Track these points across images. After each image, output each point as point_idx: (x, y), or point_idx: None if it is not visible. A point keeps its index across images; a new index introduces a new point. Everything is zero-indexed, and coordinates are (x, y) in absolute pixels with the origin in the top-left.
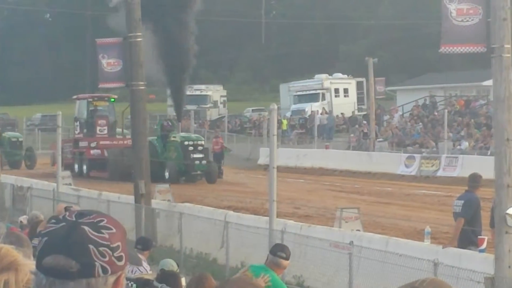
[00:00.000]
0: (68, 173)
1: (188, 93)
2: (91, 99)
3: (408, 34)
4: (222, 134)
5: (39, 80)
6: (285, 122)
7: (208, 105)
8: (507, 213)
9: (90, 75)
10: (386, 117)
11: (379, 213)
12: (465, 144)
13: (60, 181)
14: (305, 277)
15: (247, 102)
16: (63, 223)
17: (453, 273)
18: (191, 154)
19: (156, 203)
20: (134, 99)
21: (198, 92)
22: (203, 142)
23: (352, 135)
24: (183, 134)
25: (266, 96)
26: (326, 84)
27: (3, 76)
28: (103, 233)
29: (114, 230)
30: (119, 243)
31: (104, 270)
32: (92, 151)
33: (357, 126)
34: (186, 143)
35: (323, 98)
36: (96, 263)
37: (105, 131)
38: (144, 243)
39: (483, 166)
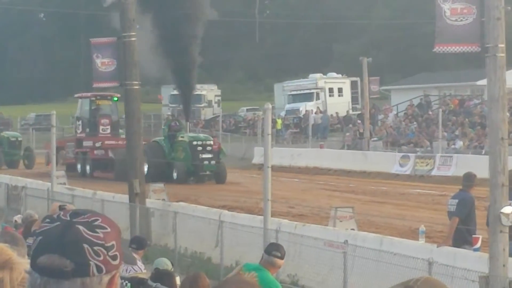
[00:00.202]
0: (62, 172)
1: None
2: (93, 98)
3: (403, 34)
4: (216, 133)
5: (33, 79)
6: (279, 121)
7: (202, 105)
8: (502, 212)
9: (84, 75)
10: (380, 117)
11: (374, 212)
12: (459, 143)
13: (55, 180)
14: (300, 276)
15: (242, 102)
16: (58, 223)
17: (448, 272)
18: (200, 154)
19: (151, 202)
20: (128, 99)
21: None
22: (212, 142)
23: (347, 134)
24: (191, 134)
25: (260, 96)
26: (321, 83)
27: None
28: (97, 233)
29: (108, 230)
30: (113, 242)
31: (99, 269)
32: (96, 151)
33: (350, 125)
34: (194, 143)
35: (318, 98)
36: (90, 262)
37: (108, 131)
38: (138, 242)
39: (478, 165)
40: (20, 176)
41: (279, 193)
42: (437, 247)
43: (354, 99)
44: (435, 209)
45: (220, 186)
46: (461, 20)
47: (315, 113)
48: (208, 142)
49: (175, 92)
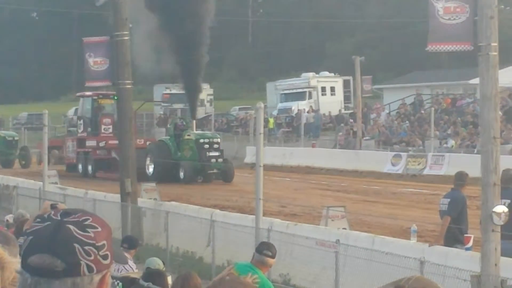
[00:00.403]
0: (54, 172)
1: (174, 91)
2: (96, 97)
3: (395, 33)
4: None
5: (25, 78)
6: (271, 120)
7: None
8: (494, 211)
9: (77, 74)
10: (373, 116)
11: (366, 211)
12: (451, 142)
13: (46, 180)
14: (291, 276)
15: (234, 101)
16: (49, 222)
17: (439, 271)
18: (207, 152)
19: (143, 201)
20: (120, 98)
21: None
22: (219, 140)
23: (340, 133)
24: (198, 132)
25: (252, 95)
26: (313, 82)
27: None
28: (88, 232)
29: (99, 229)
30: (104, 242)
31: (90, 269)
32: (98, 151)
33: (342, 124)
34: (201, 141)
35: (310, 97)
36: (81, 262)
37: (110, 130)
38: (130, 242)
39: (470, 164)
40: (12, 176)
41: (271, 192)
42: (429, 246)
43: (346, 98)
44: (427, 208)
45: (212, 185)
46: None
47: (308, 112)
48: (215, 140)
49: (168, 91)
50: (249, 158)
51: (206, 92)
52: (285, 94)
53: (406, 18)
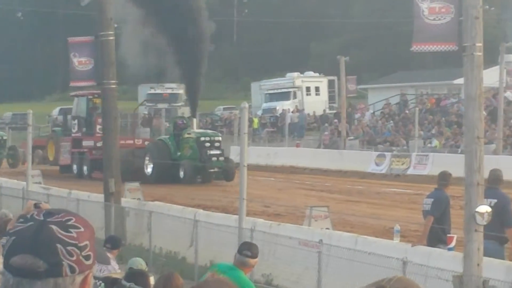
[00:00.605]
0: (38, 171)
1: (159, 91)
2: (91, 96)
3: (380, 33)
4: None
5: (10, 78)
6: (256, 120)
7: (179, 104)
8: (477, 211)
9: (62, 74)
10: (357, 116)
11: (349, 211)
12: (434, 142)
13: (30, 179)
14: (274, 276)
15: (218, 100)
16: (31, 222)
17: (422, 271)
18: (208, 151)
19: (126, 201)
20: (105, 98)
21: (169, 91)
22: (220, 138)
23: (326, 133)
24: (199, 130)
25: (237, 95)
26: (298, 82)
27: None
28: (71, 232)
29: (82, 229)
30: (87, 242)
31: (72, 270)
32: (94, 151)
33: (327, 124)
34: (202, 139)
35: (295, 97)
36: (64, 262)
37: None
38: (113, 242)
39: (453, 164)
40: None
41: (255, 192)
42: (412, 246)
43: (331, 98)
44: (410, 208)
45: (196, 185)
46: (439, 19)
47: (292, 112)
48: (216, 138)
49: (152, 91)
50: (233, 158)
51: None
52: (269, 94)
53: (391, 18)
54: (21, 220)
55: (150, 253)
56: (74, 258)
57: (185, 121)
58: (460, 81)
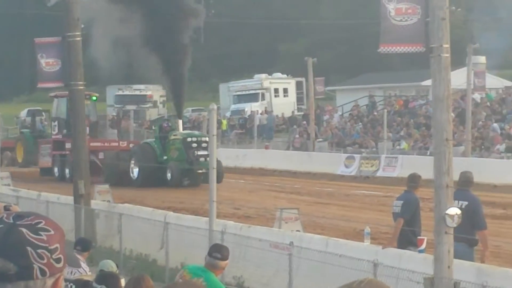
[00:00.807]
0: (7, 173)
1: (127, 92)
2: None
3: (348, 34)
4: None
5: None
6: (224, 122)
7: (147, 105)
8: (447, 213)
9: (29, 75)
10: (325, 117)
11: (319, 213)
12: (403, 144)
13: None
14: (245, 278)
15: (187, 102)
16: (1, 225)
17: (393, 273)
18: (195, 151)
19: (96, 203)
20: (73, 99)
21: (137, 92)
22: (207, 139)
23: (297, 136)
24: (185, 131)
25: (205, 96)
26: (266, 84)
27: None
28: (41, 235)
29: (52, 232)
30: (57, 245)
31: (43, 273)
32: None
33: (295, 126)
34: (189, 139)
35: (263, 98)
36: (34, 265)
37: (87, 132)
38: (83, 244)
39: (423, 166)
40: None
41: (224, 194)
42: (382, 248)
43: (299, 100)
44: (380, 210)
45: (165, 187)
46: (406, 20)
47: (261, 113)
48: (203, 139)
49: (120, 92)
50: None
51: (158, 93)
52: (238, 95)
53: (359, 19)
54: None
55: (121, 255)
56: (45, 261)
57: (170, 124)
58: (428, 82)
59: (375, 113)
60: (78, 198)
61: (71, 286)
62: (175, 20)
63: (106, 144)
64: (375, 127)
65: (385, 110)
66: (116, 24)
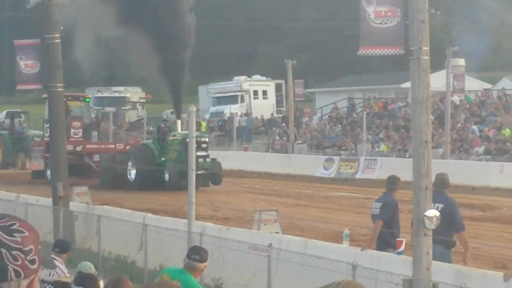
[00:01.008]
0: None
1: (106, 94)
2: (64, 99)
3: (328, 37)
4: (141, 136)
5: None
6: (204, 124)
7: (126, 107)
8: (425, 215)
9: (8, 77)
10: (305, 120)
11: (298, 215)
12: (382, 146)
13: None
14: (224, 280)
15: (166, 104)
16: None
17: (372, 275)
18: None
19: (75, 205)
20: (52, 101)
21: (116, 94)
22: (207, 139)
23: (277, 138)
24: (184, 131)
25: (184, 98)
26: (245, 86)
27: None
28: (15, 237)
29: (26, 234)
30: (32, 247)
31: (17, 274)
32: (70, 156)
33: (274, 128)
34: (188, 140)
35: (242, 100)
36: (8, 267)
37: (80, 134)
38: (62, 246)
39: (401, 168)
40: None
41: (203, 196)
42: (361, 250)
43: (278, 102)
44: (359, 212)
45: (145, 189)
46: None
47: (240, 115)
48: (203, 139)
49: (99, 94)
50: None
51: (138, 95)
52: (217, 97)
53: (338, 22)
54: None
55: (100, 257)
56: (19, 262)
57: (168, 124)
58: (408, 85)
59: (355, 115)
60: (57, 200)
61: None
62: (175, 20)
63: (102, 146)
64: (354, 129)
65: (365, 112)
66: (102, 25)
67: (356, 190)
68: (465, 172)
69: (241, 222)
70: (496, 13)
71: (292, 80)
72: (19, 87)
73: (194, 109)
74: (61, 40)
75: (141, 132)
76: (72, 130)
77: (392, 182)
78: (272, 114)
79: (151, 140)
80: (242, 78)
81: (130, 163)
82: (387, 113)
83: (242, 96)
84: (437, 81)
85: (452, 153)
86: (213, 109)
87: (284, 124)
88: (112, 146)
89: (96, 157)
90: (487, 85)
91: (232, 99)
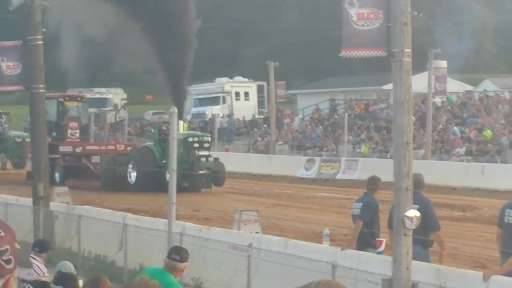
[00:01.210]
0: None
1: (89, 96)
2: (61, 99)
3: (309, 38)
4: (122, 137)
5: None
6: (185, 125)
7: (108, 108)
8: (405, 216)
9: None
10: (286, 121)
11: (279, 215)
12: (363, 147)
13: None
14: (204, 279)
15: (148, 105)
16: None
17: (351, 275)
18: (196, 151)
19: (55, 205)
20: (33, 102)
21: (98, 95)
22: (209, 139)
23: (260, 139)
24: (186, 132)
25: (166, 99)
26: (227, 87)
27: None
28: None
29: (2, 234)
30: (7, 247)
31: None
32: (67, 157)
33: (256, 129)
34: (190, 139)
35: (224, 102)
36: None
37: (77, 135)
38: (41, 246)
39: (382, 169)
40: None
41: (184, 196)
42: (341, 250)
43: (260, 103)
44: (339, 212)
45: (125, 189)
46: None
47: (222, 117)
48: (205, 139)
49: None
50: None
51: (119, 96)
52: (199, 99)
53: (320, 23)
54: None
55: (79, 256)
56: None
57: (169, 126)
58: (389, 86)
59: (336, 117)
60: (37, 200)
61: (28, 287)
62: (174, 20)
63: (102, 147)
64: (336, 130)
65: (346, 114)
66: (89, 25)
67: (337, 190)
68: (446, 173)
69: (221, 222)
70: (478, 15)
71: (274, 82)
72: (0, 88)
73: (176, 110)
74: (44, 41)
75: (123, 133)
76: (69, 131)
77: (373, 183)
78: (253, 116)
79: (152, 142)
80: (224, 79)
81: (130, 166)
82: (369, 115)
83: (224, 98)
84: (419, 82)
85: (433, 154)
86: (194, 110)
87: (265, 125)
88: (112, 147)
89: (95, 159)
90: (469, 87)
91: (213, 101)
